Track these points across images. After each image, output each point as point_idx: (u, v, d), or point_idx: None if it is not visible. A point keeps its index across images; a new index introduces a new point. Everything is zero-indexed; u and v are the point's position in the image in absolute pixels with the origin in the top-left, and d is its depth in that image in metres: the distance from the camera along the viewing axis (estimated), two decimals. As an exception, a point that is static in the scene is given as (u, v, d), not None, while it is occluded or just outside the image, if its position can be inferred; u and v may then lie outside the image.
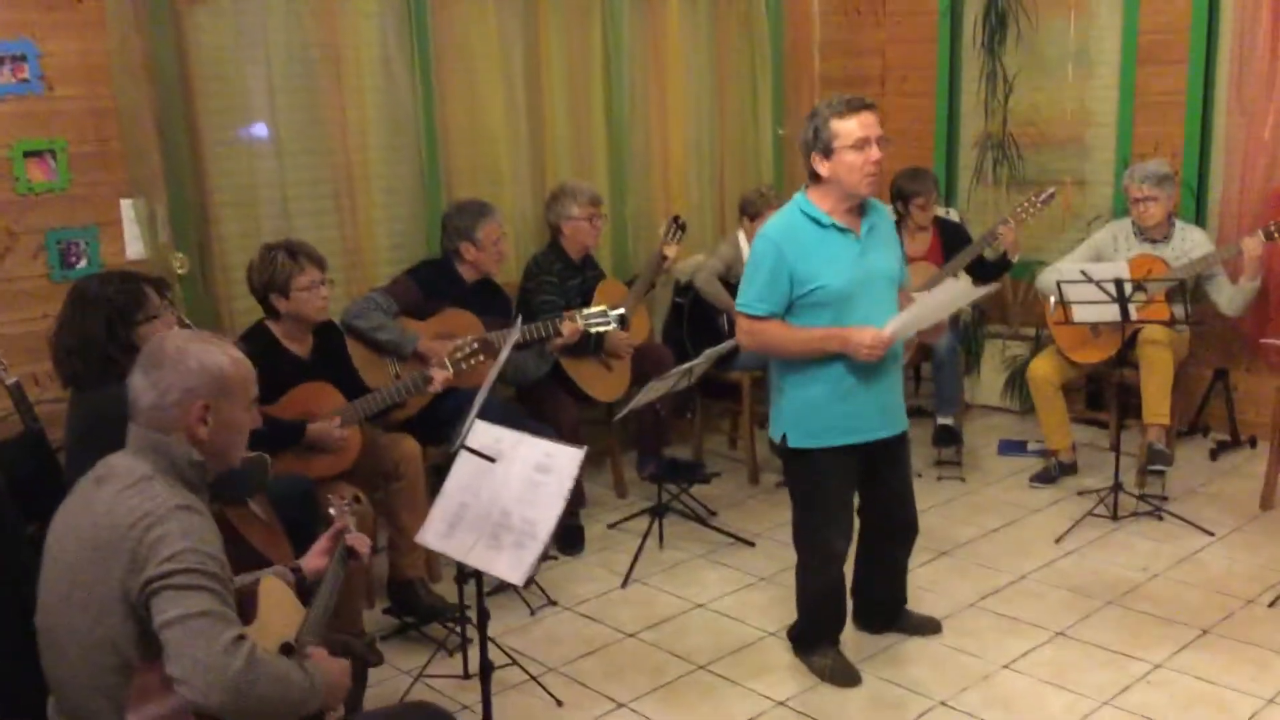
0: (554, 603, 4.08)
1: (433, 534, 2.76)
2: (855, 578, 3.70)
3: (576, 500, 4.65)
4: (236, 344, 3.44)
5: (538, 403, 4.61)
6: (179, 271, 4.17)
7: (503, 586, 4.09)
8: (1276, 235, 4.60)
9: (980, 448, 5.58)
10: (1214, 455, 5.30)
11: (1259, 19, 5.14)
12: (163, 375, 2.09)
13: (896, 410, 3.42)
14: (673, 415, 5.35)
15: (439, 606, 3.81)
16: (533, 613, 4.01)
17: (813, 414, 3.30)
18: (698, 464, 5.17)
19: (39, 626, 2.09)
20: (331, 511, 2.62)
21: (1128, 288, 4.34)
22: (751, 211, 5.08)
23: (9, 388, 3.43)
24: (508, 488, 2.67)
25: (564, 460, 2.61)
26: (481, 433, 2.82)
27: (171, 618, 1.88)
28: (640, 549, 4.38)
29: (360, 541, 2.60)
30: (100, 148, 4.01)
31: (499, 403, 4.26)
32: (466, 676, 3.54)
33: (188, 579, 1.91)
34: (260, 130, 4.48)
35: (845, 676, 3.49)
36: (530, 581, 2.65)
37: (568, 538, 4.56)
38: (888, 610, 3.74)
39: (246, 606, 2.14)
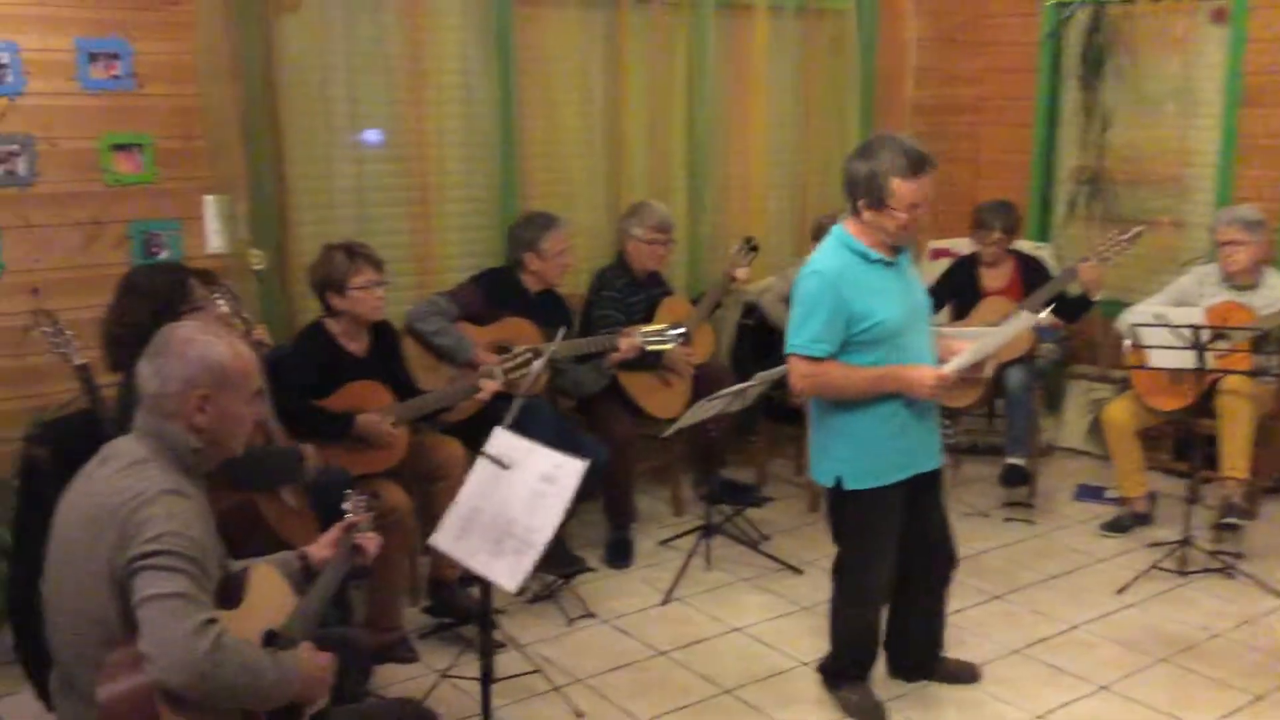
0: (592, 614, 4.09)
1: (445, 537, 2.80)
2: (890, 625, 3.57)
3: (627, 514, 4.67)
4: (294, 339, 3.58)
5: (594, 415, 4.64)
6: (256, 268, 4.30)
7: (543, 595, 4.16)
8: (1375, 287, 4.37)
9: (1057, 491, 5.40)
10: (1301, 514, 5.05)
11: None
12: (165, 364, 2.18)
13: (938, 442, 3.39)
14: (735, 437, 5.33)
15: (475, 608, 3.84)
16: (569, 623, 4.03)
17: (869, 453, 3.23)
18: (752, 487, 5.13)
19: (43, 597, 2.18)
20: (346, 506, 2.68)
21: (1204, 334, 4.17)
22: (823, 236, 5.02)
23: (77, 368, 3.59)
24: (515, 495, 2.70)
25: (567, 472, 2.63)
26: (499, 440, 2.85)
27: (147, 596, 1.95)
28: (684, 568, 4.37)
29: (369, 541, 2.64)
30: (186, 144, 4.18)
31: (549, 412, 4.31)
32: (494, 680, 3.55)
33: (167, 560, 1.98)
34: (374, 136, 4.65)
35: (872, 713, 3.42)
36: (525, 589, 2.66)
37: (615, 551, 4.57)
38: (922, 657, 3.62)
39: (234, 591, 2.20)
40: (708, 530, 4.53)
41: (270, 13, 4.30)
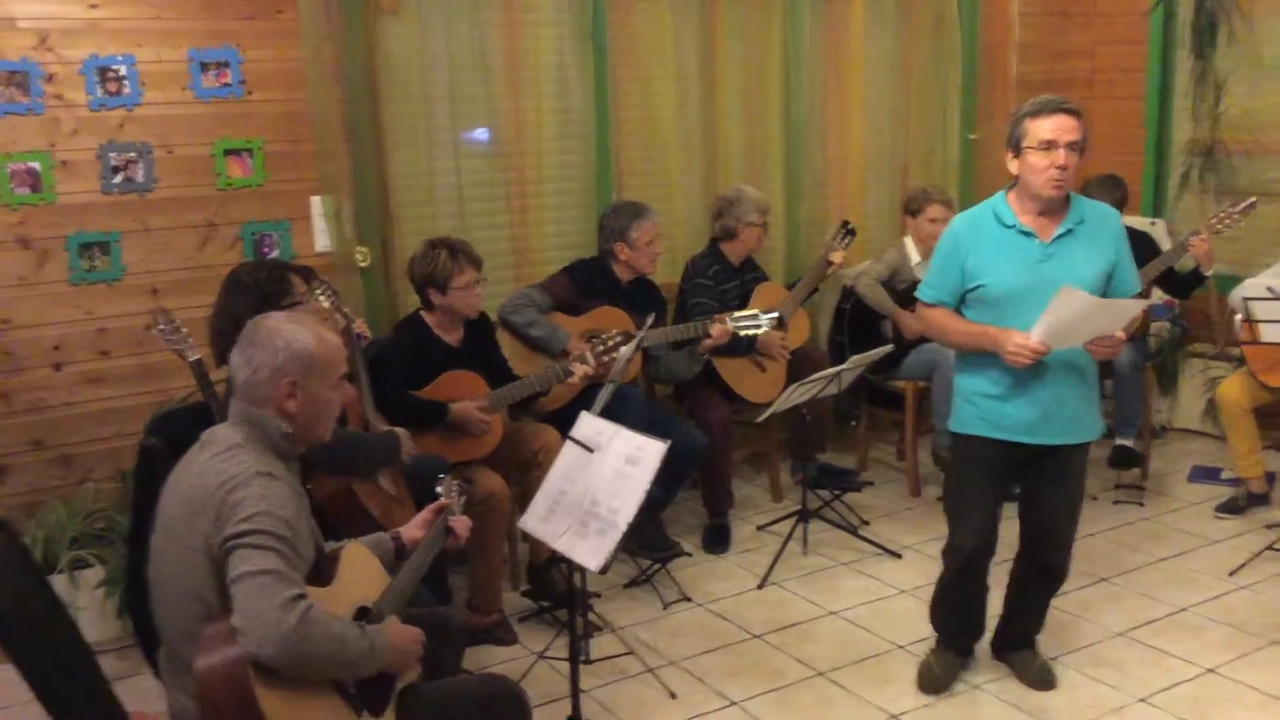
0: (688, 599, 4.15)
1: (533, 518, 2.89)
2: (1005, 599, 3.59)
3: (724, 500, 4.70)
4: (392, 332, 3.71)
5: (690, 402, 4.70)
6: (361, 264, 4.48)
7: (640, 579, 4.23)
8: None
9: (1171, 473, 5.26)
10: None
11: None
12: (256, 353, 2.30)
13: (1066, 422, 3.24)
14: (835, 422, 5.31)
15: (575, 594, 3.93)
16: (665, 607, 4.09)
17: (967, 403, 3.31)
18: (851, 472, 5.11)
19: (149, 577, 2.33)
20: (439, 489, 2.77)
21: (1320, 307, 4.01)
22: (913, 208, 5.02)
23: (191, 364, 3.78)
24: (600, 477, 2.76)
25: (650, 453, 2.68)
26: (586, 424, 2.92)
27: (240, 573, 2.08)
28: (780, 552, 4.39)
29: (461, 524, 2.73)
30: (293, 148, 4.36)
31: (641, 399, 4.36)
32: (587, 661, 3.64)
33: (259, 539, 2.10)
34: (482, 134, 4.79)
35: (928, 682, 3.47)
36: (607, 569, 2.71)
37: (713, 537, 4.61)
38: (1008, 640, 3.60)
39: (327, 570, 2.32)
40: (804, 515, 4.54)
41: (371, 17, 4.45)
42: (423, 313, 3.95)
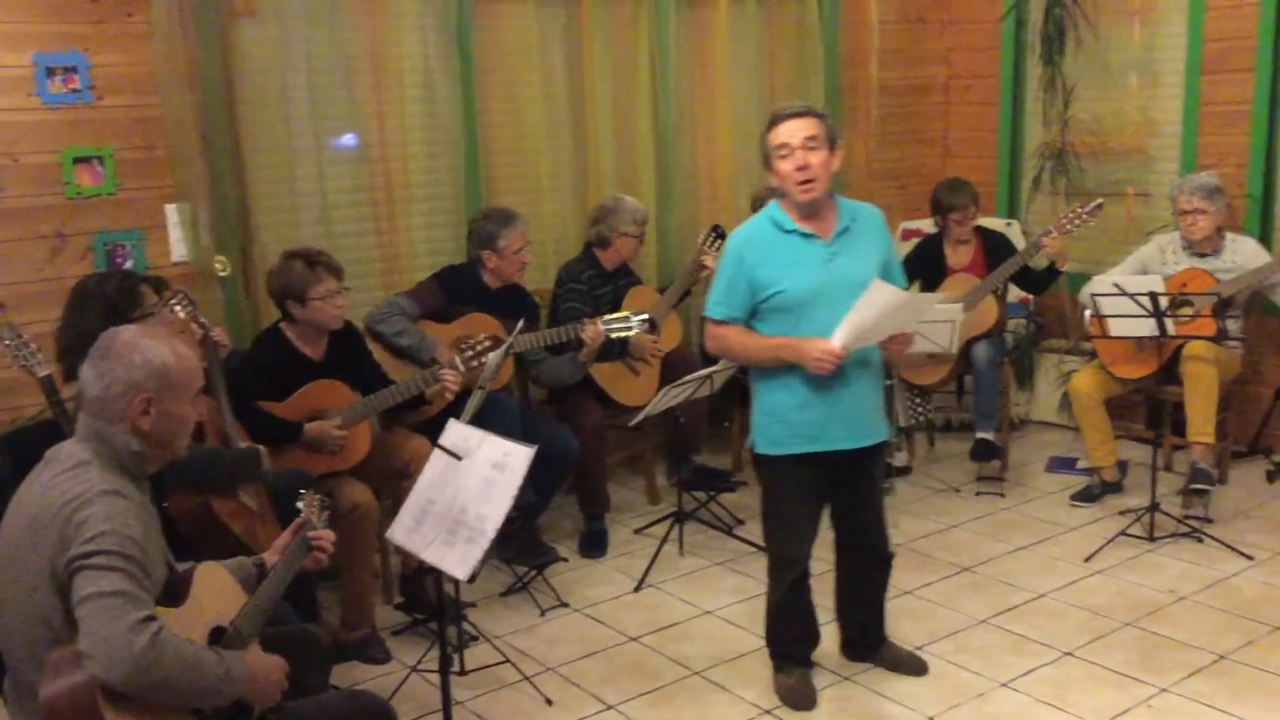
0: (565, 604, 4.14)
1: (400, 529, 2.84)
2: (835, 604, 3.64)
3: (600, 504, 4.71)
4: (250, 346, 3.61)
5: (563, 406, 4.69)
6: (221, 274, 4.35)
7: (516, 587, 4.20)
8: (1331, 249, 4.41)
9: (1029, 464, 5.45)
10: (1271, 477, 5.09)
11: (1328, 25, 4.93)
12: (109, 368, 2.21)
13: (866, 422, 3.32)
14: (709, 424, 5.36)
15: (446, 602, 3.88)
16: (542, 613, 4.08)
17: (776, 421, 3.28)
18: (726, 472, 5.16)
19: None
20: (300, 504, 2.72)
21: (1162, 301, 4.21)
22: (761, 207, 5.09)
23: (40, 380, 3.62)
24: (468, 485, 2.73)
25: (518, 459, 2.67)
26: (454, 432, 2.89)
27: (86, 595, 2.00)
28: (657, 554, 4.41)
29: (322, 538, 2.67)
30: (146, 155, 4.23)
31: (514, 405, 4.34)
32: (462, 672, 3.61)
33: (106, 560, 2.02)
34: (350, 140, 4.70)
35: (798, 700, 3.42)
36: (474, 578, 2.69)
37: (590, 541, 4.62)
38: (865, 640, 3.65)
39: (179, 590, 2.24)
40: (680, 517, 4.57)
41: (225, 19, 4.33)
42: (283, 325, 3.85)
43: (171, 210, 4.27)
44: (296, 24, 4.49)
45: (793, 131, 3.14)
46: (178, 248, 4.32)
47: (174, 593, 2.22)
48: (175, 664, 2.02)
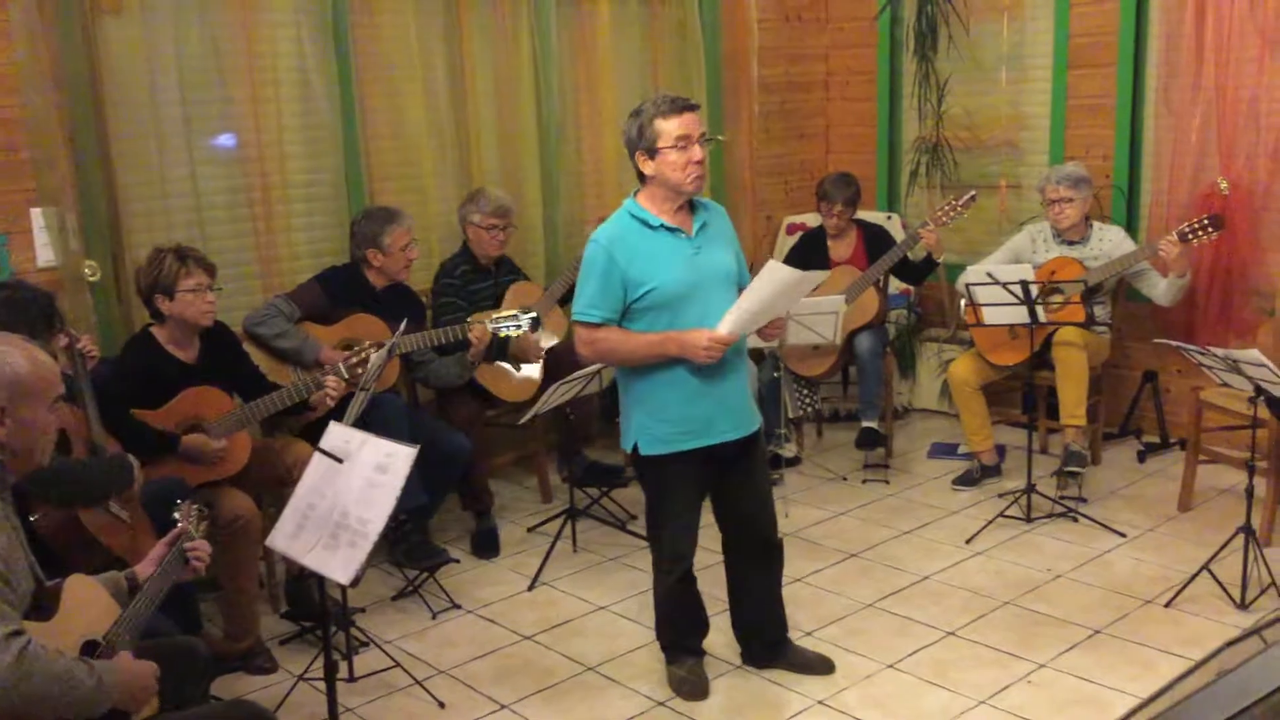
0: (457, 606, 4.11)
1: (281, 535, 2.79)
2: (731, 608, 3.61)
3: (485, 501, 4.68)
4: (120, 352, 3.50)
5: (445, 406, 4.66)
6: (90, 279, 4.21)
7: (407, 590, 4.16)
8: (1190, 237, 4.60)
9: (913, 451, 5.58)
10: (1141, 458, 5.30)
11: (1184, 22, 5.14)
12: (-40, 379, 2.13)
13: (746, 411, 3.35)
14: (600, 420, 5.37)
15: (334, 610, 3.82)
16: (434, 616, 4.04)
17: (661, 420, 3.24)
18: (618, 468, 5.18)
19: None
20: (176, 515, 2.65)
21: (1033, 290, 4.35)
22: None
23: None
24: (350, 488, 2.69)
25: (400, 460, 2.64)
26: (334, 434, 2.85)
27: (-52, 612, 1.92)
28: (550, 551, 4.40)
29: (199, 549, 2.60)
30: (8, 157, 4.07)
31: (399, 406, 4.29)
32: (350, 679, 3.55)
33: (-32, 575, 1.95)
34: (229, 140, 4.58)
35: (691, 690, 3.44)
36: (357, 582, 2.65)
37: (482, 541, 4.59)
38: (768, 640, 3.59)
39: (48, 604, 2.17)
40: (573, 513, 4.57)
41: (89, 17, 4.19)
42: (153, 329, 3.73)
43: (37, 214, 4.12)
44: (164, 21, 4.37)
45: (692, 124, 3.13)
46: (44, 252, 4.16)
47: (42, 607, 2.15)
48: (45, 677, 1.95)
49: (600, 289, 3.19)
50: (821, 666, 3.56)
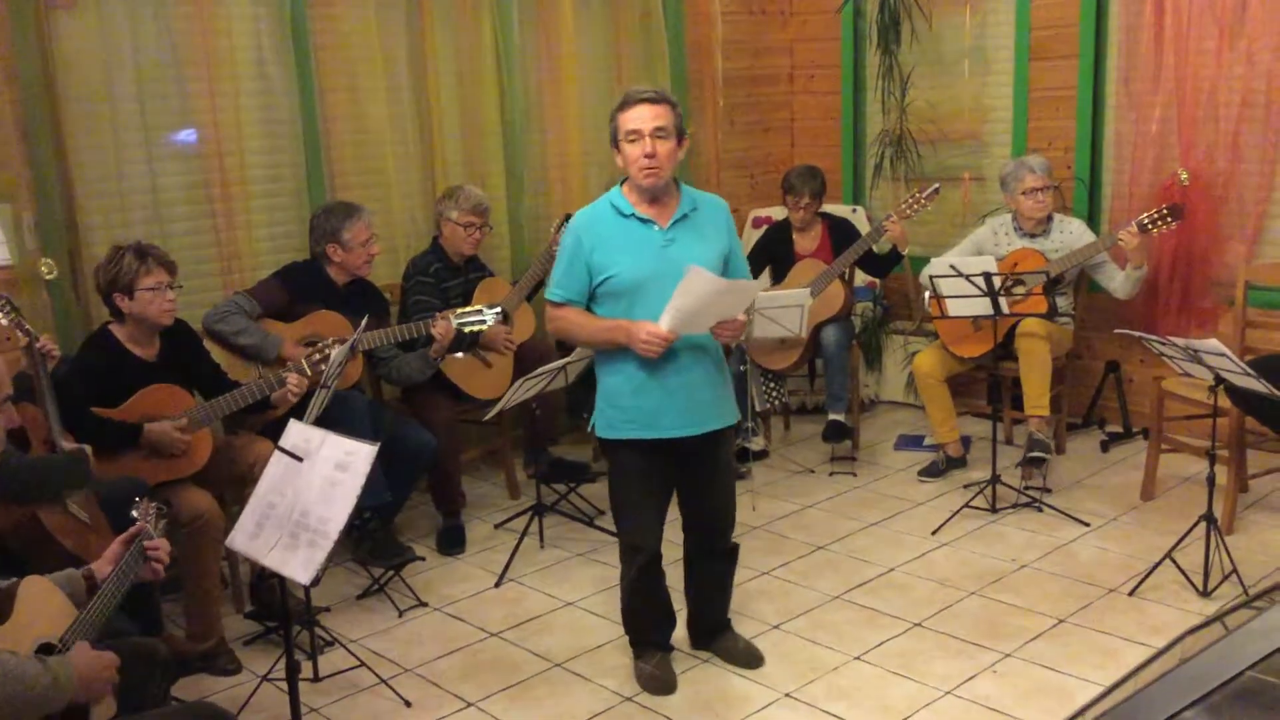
0: (424, 604, 4.08)
1: (241, 535, 2.75)
2: (684, 589, 3.65)
3: (455, 500, 4.66)
4: (79, 350, 3.45)
5: (415, 403, 4.62)
6: (48, 277, 4.12)
7: (373, 589, 4.13)
8: (1150, 227, 4.64)
9: (880, 443, 5.60)
10: (1105, 447, 5.34)
11: (1144, 14, 5.18)
12: (-91, 377, 2.09)
13: (704, 410, 3.31)
14: (567, 416, 5.36)
15: (298, 609, 3.78)
16: (400, 614, 4.01)
17: (612, 405, 3.31)
18: (584, 464, 5.17)
19: None
20: (134, 514, 2.61)
21: (996, 281, 4.36)
22: None
23: None
24: (310, 486, 2.66)
25: (361, 458, 2.61)
26: (294, 432, 2.81)
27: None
28: (517, 548, 4.39)
29: (159, 548, 2.57)
30: (-40, 154, 4.00)
31: (362, 403, 4.26)
32: (315, 679, 3.52)
33: (-83, 580, 1.91)
34: (190, 136, 4.52)
35: (658, 685, 3.44)
36: (317, 582, 2.63)
37: (447, 539, 4.56)
38: (704, 627, 3.65)
39: (2, 606, 2.13)
40: (540, 509, 4.55)
41: (42, 12, 4.12)
42: (112, 326, 3.68)
43: (-10, 212, 4.06)
44: (119, 16, 4.30)
45: (644, 118, 3.14)
46: (0, 250, 4.10)
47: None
48: (1, 679, 1.92)
49: (566, 270, 3.28)
50: (748, 660, 3.56)
